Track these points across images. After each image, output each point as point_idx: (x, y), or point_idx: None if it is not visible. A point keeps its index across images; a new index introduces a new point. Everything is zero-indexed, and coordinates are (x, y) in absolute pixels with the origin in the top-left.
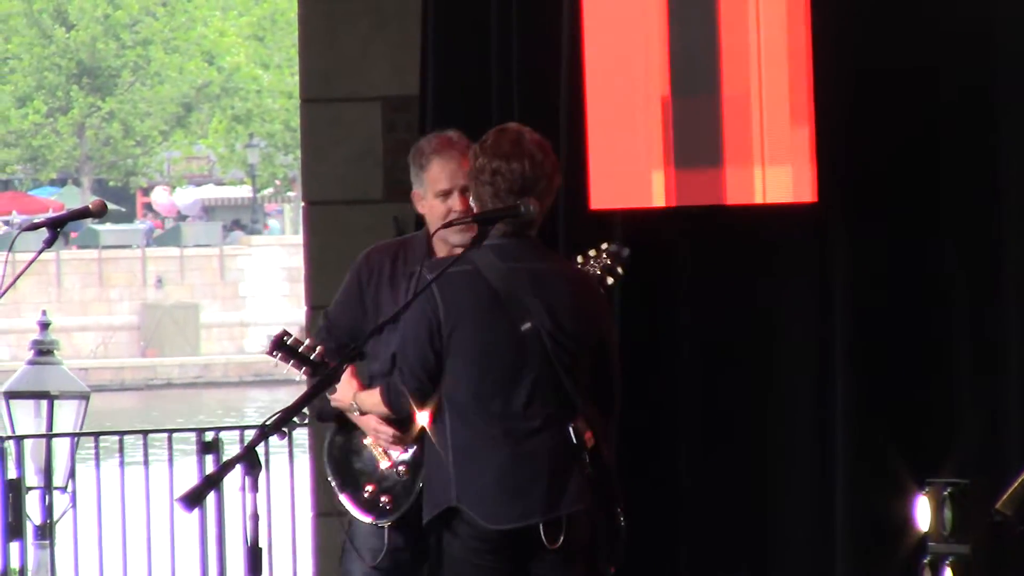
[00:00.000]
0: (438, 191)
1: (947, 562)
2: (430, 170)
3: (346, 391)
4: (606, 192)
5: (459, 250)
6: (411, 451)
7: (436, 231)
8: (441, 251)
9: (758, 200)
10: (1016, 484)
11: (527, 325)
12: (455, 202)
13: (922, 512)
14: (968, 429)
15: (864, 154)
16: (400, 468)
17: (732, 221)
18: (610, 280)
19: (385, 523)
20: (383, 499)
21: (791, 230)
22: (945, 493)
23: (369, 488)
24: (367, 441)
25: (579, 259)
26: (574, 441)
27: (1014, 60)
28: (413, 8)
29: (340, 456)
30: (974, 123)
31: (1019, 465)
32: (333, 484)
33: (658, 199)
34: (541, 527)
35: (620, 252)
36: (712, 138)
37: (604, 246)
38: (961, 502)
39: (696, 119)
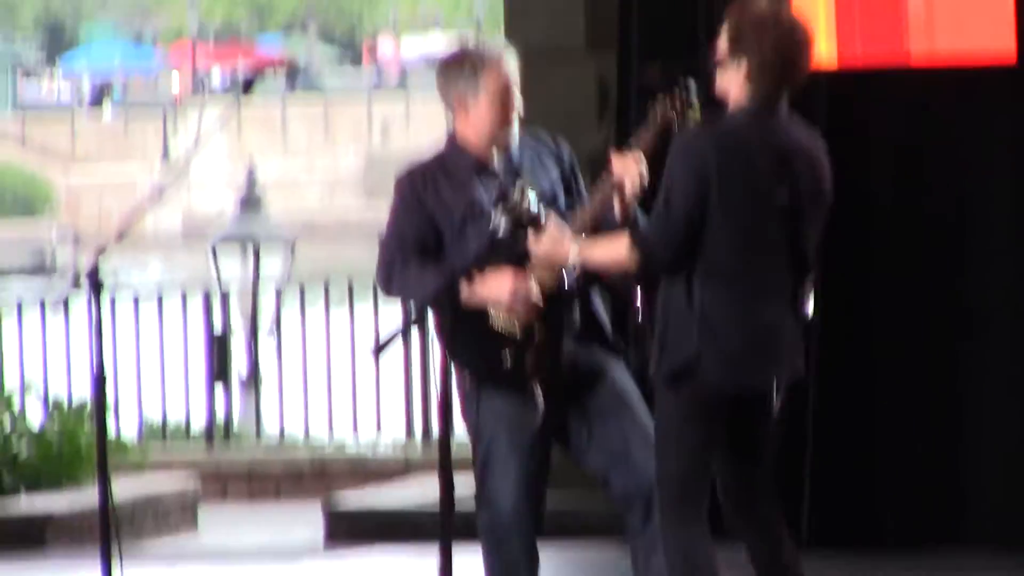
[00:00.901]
0: (496, 92)
1: None
2: (487, 71)
3: (560, 244)
4: None
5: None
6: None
7: (498, 129)
8: (492, 152)
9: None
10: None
11: (784, 196)
12: (514, 102)
13: None
14: None
15: None
16: (539, 331)
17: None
18: (690, 114)
19: (535, 388)
20: (527, 363)
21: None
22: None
23: (508, 357)
24: (491, 317)
25: (652, 105)
26: (802, 309)
27: None
28: None
29: (462, 334)
30: None
31: None
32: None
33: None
34: (774, 391)
35: (691, 84)
36: None
37: (675, 88)
38: None
39: None
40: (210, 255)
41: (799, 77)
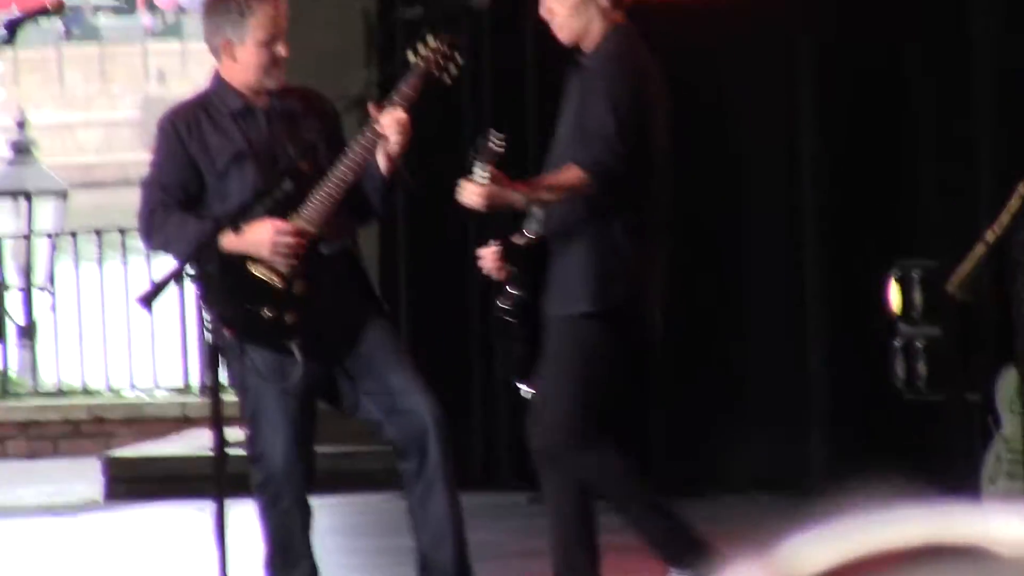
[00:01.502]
0: (264, 39)
1: (919, 344)
2: (255, 16)
3: (503, 193)
4: None
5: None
6: (296, 265)
7: (261, 73)
8: (256, 98)
9: None
10: (965, 266)
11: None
12: (282, 48)
13: (893, 295)
14: (936, 215)
15: None
16: (297, 284)
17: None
18: (452, 68)
19: (295, 343)
20: (287, 317)
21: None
22: (915, 275)
23: (267, 311)
24: (252, 269)
25: (412, 57)
26: None
27: None
28: None
29: (221, 287)
30: None
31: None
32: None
33: None
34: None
35: (454, 39)
36: None
37: (433, 37)
38: (931, 284)
39: None
40: None
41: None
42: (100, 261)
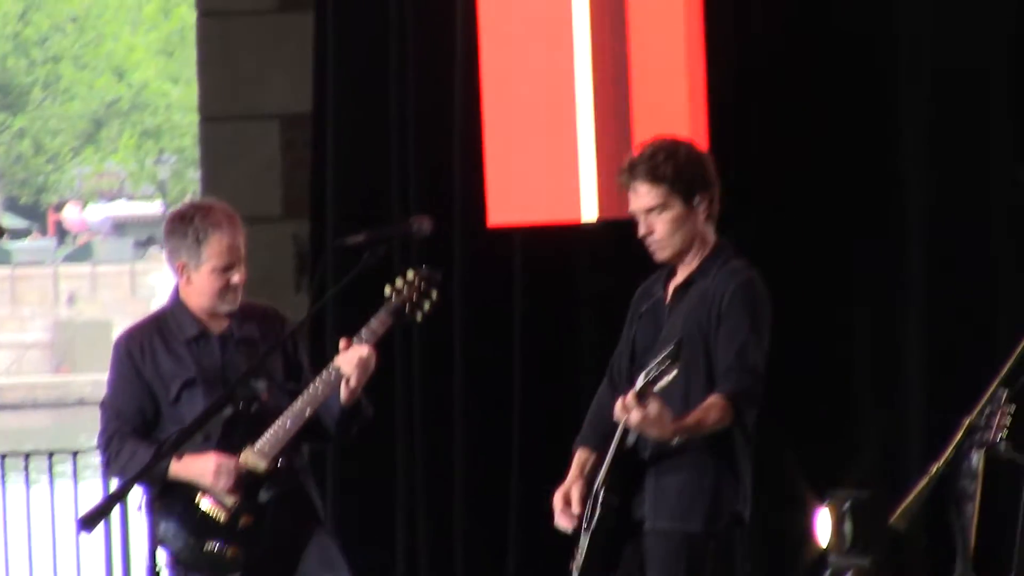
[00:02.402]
0: (218, 266)
1: (848, 575)
2: (209, 244)
3: (662, 423)
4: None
5: (224, 320)
6: (240, 498)
7: (213, 301)
8: (212, 322)
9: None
10: (909, 498)
11: None
12: (237, 277)
13: (823, 525)
14: (869, 442)
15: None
16: (242, 519)
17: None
18: (426, 306)
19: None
20: (230, 551)
21: None
22: (845, 506)
23: (211, 544)
24: (198, 501)
25: (388, 290)
26: None
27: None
28: (309, 26)
29: (174, 521)
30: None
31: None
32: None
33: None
34: None
35: (432, 276)
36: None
37: (412, 272)
38: (861, 514)
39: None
40: None
41: None
42: (27, 482)
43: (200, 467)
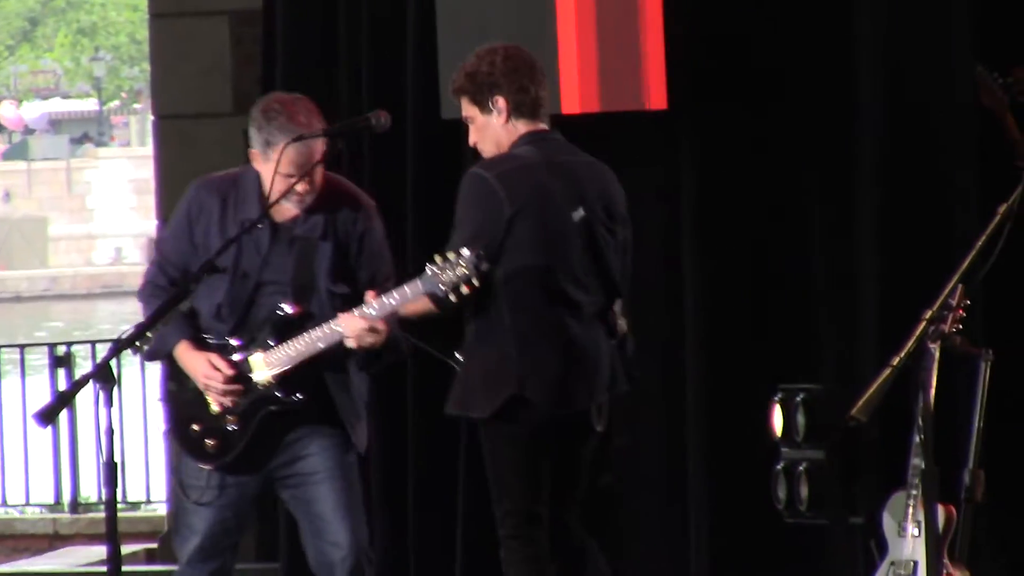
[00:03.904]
0: (283, 172)
1: (801, 467)
2: (277, 149)
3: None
4: None
5: (294, 210)
6: (243, 401)
7: (275, 200)
8: (277, 210)
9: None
10: (871, 390)
11: (580, 213)
12: (302, 185)
13: (775, 418)
14: (823, 340)
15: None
16: (229, 418)
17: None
18: (465, 289)
19: (207, 466)
20: (208, 442)
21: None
22: (798, 399)
23: (195, 427)
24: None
25: (431, 268)
26: (613, 327)
27: None
28: None
29: (172, 396)
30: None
31: (873, 374)
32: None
33: None
34: (594, 409)
35: (479, 263)
36: None
37: (460, 253)
38: (814, 407)
39: None
40: None
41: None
42: None
43: (195, 364)
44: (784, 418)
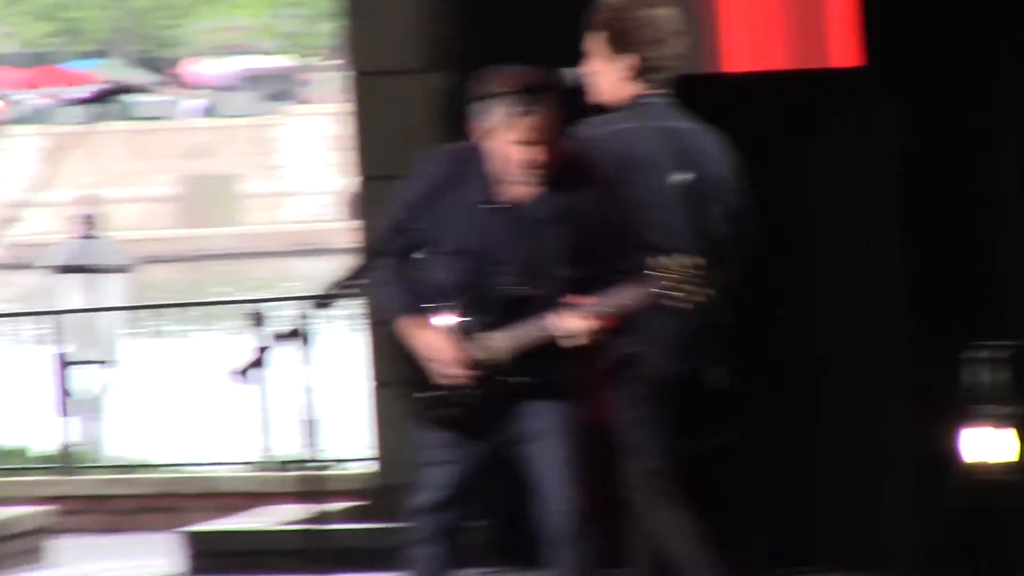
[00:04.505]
0: (519, 143)
1: (1006, 423)
2: (514, 119)
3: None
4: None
5: (527, 188)
6: (470, 377)
7: (506, 178)
8: (510, 189)
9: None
10: None
11: (680, 177)
12: (535, 155)
13: (975, 375)
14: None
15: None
16: (458, 391)
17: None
18: (685, 296)
19: (438, 430)
20: (439, 408)
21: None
22: (1002, 355)
23: (427, 392)
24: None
25: (653, 272)
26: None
27: None
28: None
29: (405, 360)
30: None
31: None
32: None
33: None
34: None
35: (702, 272)
36: None
37: (686, 261)
38: (1017, 363)
39: None
40: (50, 280)
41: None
42: (168, 336)
43: (420, 338)
44: (987, 375)
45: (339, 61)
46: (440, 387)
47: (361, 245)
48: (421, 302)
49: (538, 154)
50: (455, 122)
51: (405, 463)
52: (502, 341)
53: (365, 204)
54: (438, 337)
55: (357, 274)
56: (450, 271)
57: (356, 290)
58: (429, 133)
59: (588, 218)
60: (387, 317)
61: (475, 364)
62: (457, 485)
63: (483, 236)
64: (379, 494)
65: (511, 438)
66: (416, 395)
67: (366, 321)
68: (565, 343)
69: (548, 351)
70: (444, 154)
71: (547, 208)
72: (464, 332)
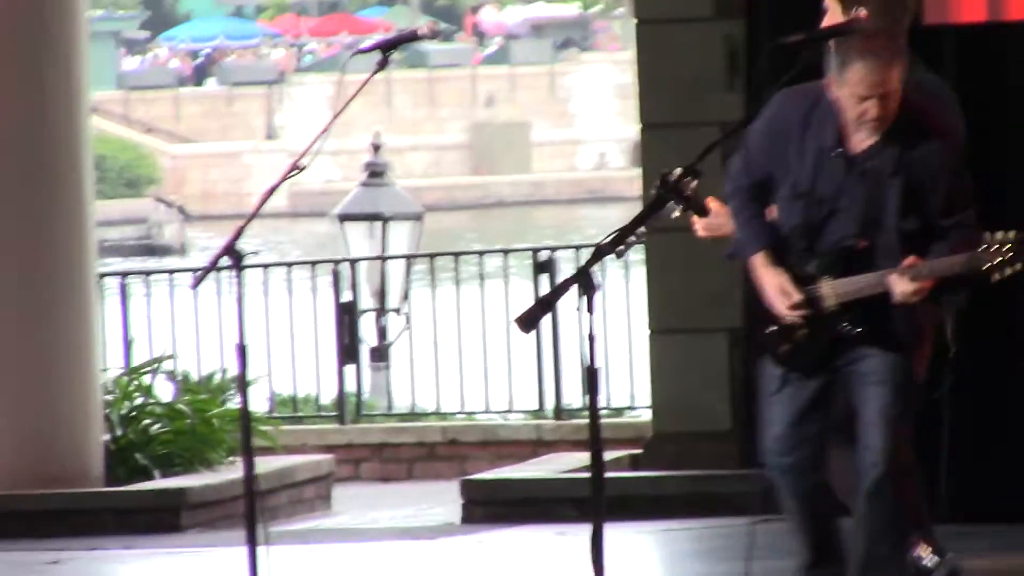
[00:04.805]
0: (857, 94)
1: None
2: (851, 70)
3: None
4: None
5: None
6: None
7: (848, 128)
8: (852, 138)
9: None
10: None
11: None
12: (872, 108)
13: None
14: None
15: None
16: (799, 332)
17: None
18: (1007, 271)
19: (777, 367)
20: (781, 345)
21: None
22: None
23: (770, 329)
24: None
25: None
26: None
27: None
28: None
29: (754, 298)
30: None
31: None
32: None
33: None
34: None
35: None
36: None
37: (1012, 238)
38: None
39: None
40: (338, 228)
41: None
42: (457, 284)
43: (767, 279)
44: None
45: (625, 9)
46: (778, 324)
47: (642, 193)
48: (769, 241)
49: (874, 107)
50: (742, 71)
51: (679, 411)
52: (840, 289)
53: (647, 152)
54: (780, 276)
55: (639, 221)
56: (790, 214)
57: (640, 239)
58: (714, 82)
59: (927, 171)
60: (742, 254)
61: (809, 306)
62: (799, 421)
63: (824, 183)
64: (654, 443)
65: (843, 377)
66: (758, 330)
67: (647, 269)
68: (896, 300)
69: (879, 302)
70: (787, 96)
71: (888, 160)
72: (800, 275)
